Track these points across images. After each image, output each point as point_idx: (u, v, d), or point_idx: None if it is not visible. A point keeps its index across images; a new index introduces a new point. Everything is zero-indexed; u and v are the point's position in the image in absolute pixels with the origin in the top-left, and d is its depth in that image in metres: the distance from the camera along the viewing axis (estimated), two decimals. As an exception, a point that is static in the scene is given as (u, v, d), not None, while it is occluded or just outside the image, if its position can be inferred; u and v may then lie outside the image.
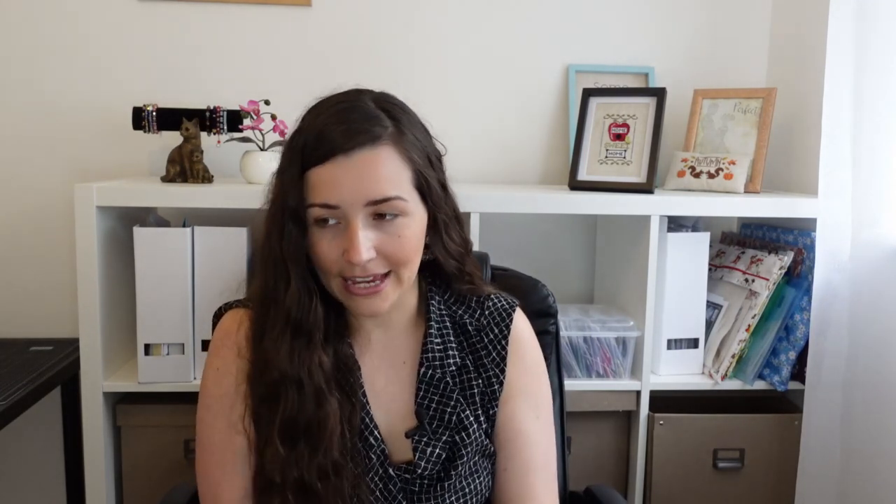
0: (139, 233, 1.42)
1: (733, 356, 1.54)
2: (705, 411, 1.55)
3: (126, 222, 1.48)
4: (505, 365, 0.96)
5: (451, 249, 0.94)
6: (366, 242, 0.83)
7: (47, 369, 1.47)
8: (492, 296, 1.00)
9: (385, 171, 0.84)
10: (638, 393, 1.54)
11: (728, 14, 1.87)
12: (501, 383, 0.96)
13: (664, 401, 1.56)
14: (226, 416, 0.91)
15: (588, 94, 1.68)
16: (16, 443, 1.79)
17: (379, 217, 0.85)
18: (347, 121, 0.85)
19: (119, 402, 1.49)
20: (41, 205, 1.74)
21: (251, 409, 0.89)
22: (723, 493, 1.55)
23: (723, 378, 1.55)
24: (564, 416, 1.22)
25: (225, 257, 1.44)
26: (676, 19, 1.86)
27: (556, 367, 1.20)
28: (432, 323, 0.96)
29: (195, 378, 1.46)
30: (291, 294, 0.87)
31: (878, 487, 1.40)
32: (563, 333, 1.51)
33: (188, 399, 1.45)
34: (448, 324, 0.97)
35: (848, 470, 1.46)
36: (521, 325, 1.00)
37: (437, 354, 0.95)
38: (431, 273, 1.00)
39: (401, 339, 0.97)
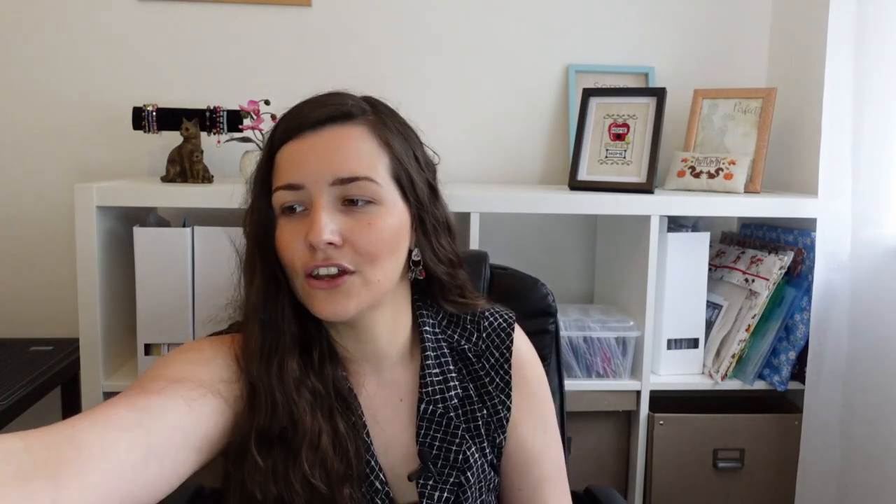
0: (139, 233, 1.42)
1: (733, 356, 1.54)
2: (705, 411, 1.55)
3: (126, 222, 1.48)
4: (510, 390, 0.89)
5: (440, 255, 0.85)
6: (329, 224, 0.74)
7: (47, 369, 1.47)
8: (486, 313, 0.92)
9: (356, 149, 0.77)
10: (638, 393, 1.54)
11: (728, 14, 1.87)
12: (508, 408, 0.89)
13: (664, 401, 1.56)
14: (179, 390, 0.72)
15: (588, 94, 1.68)
16: (16, 443, 1.79)
17: (349, 203, 0.76)
18: (321, 98, 0.80)
19: (119, 402, 1.49)
20: (41, 205, 1.74)
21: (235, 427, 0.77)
22: (723, 494, 1.55)
23: (723, 378, 1.55)
24: (565, 417, 1.22)
25: (225, 257, 1.41)
26: (676, 19, 1.86)
27: (556, 367, 1.20)
28: (429, 353, 0.87)
29: (195, 378, 1.46)
30: (257, 287, 0.80)
31: (878, 487, 1.40)
32: (563, 333, 1.51)
33: (188, 399, 1.46)
34: (445, 350, 0.89)
35: (848, 470, 1.46)
36: (521, 342, 0.93)
37: (436, 388, 0.86)
38: (420, 294, 0.90)
39: (396, 374, 0.87)
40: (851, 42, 1.43)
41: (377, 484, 0.83)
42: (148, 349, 1.44)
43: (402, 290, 0.87)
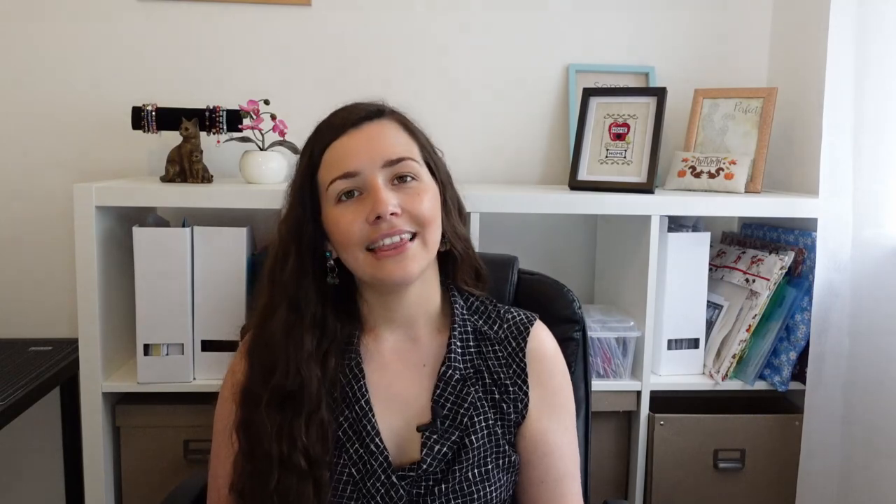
0: (138, 233, 1.41)
1: (734, 356, 1.54)
2: (706, 412, 1.54)
3: (125, 222, 1.48)
4: (526, 377, 0.97)
5: (459, 231, 0.98)
6: (390, 198, 0.87)
7: (46, 369, 1.47)
8: (511, 309, 1.02)
9: (394, 137, 0.92)
10: (638, 393, 1.54)
11: (728, 14, 1.86)
12: (525, 394, 0.97)
13: (665, 401, 1.56)
14: (225, 419, 0.96)
15: (588, 93, 1.68)
16: (15, 443, 1.78)
17: (399, 180, 0.90)
18: (350, 106, 0.95)
19: (118, 403, 1.48)
20: (41, 205, 1.74)
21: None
22: (723, 494, 1.55)
23: (723, 378, 1.54)
24: (590, 423, 1.17)
25: (224, 257, 1.44)
26: (677, 19, 1.86)
27: (583, 374, 1.15)
28: (456, 327, 0.98)
29: (194, 378, 1.46)
30: (289, 270, 0.92)
31: (878, 488, 1.39)
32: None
33: (188, 399, 1.46)
34: (469, 330, 0.99)
35: (849, 470, 1.46)
36: (544, 339, 1.01)
37: (458, 357, 0.97)
38: (444, 276, 1.02)
39: (423, 342, 0.99)
40: (852, 42, 1.43)
41: (372, 447, 0.92)
42: (147, 349, 1.43)
43: (432, 262, 0.98)
